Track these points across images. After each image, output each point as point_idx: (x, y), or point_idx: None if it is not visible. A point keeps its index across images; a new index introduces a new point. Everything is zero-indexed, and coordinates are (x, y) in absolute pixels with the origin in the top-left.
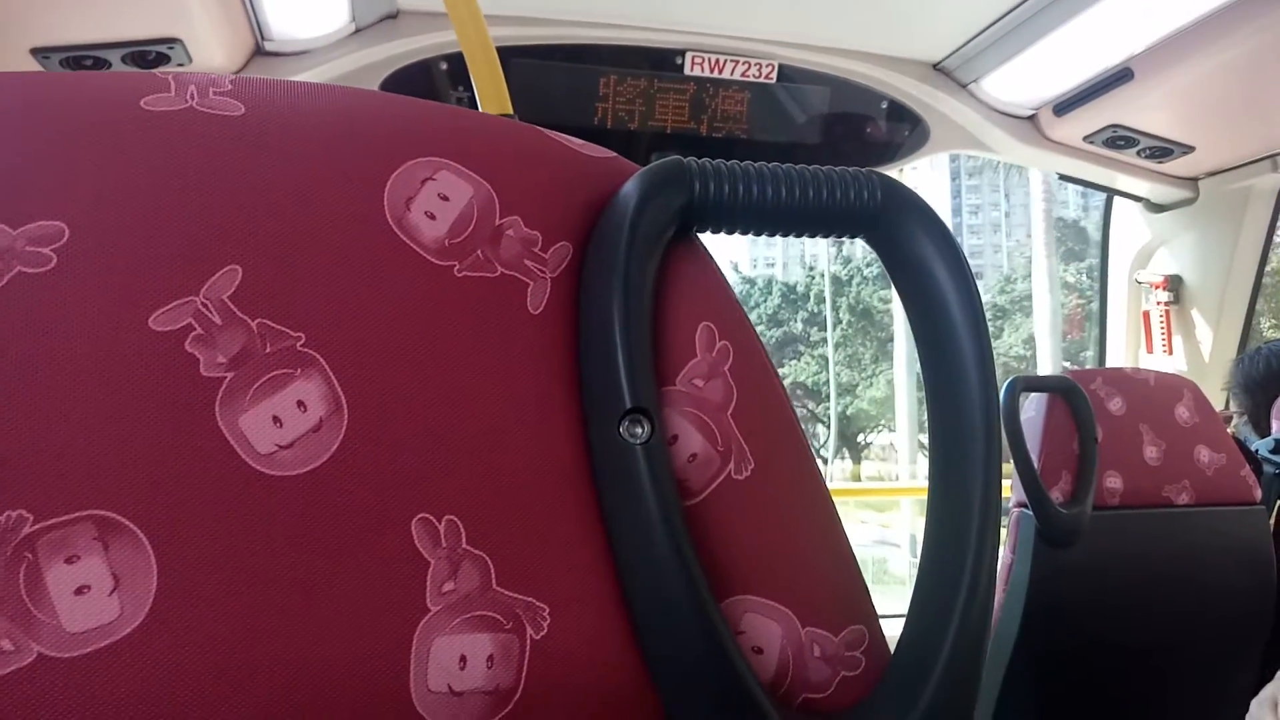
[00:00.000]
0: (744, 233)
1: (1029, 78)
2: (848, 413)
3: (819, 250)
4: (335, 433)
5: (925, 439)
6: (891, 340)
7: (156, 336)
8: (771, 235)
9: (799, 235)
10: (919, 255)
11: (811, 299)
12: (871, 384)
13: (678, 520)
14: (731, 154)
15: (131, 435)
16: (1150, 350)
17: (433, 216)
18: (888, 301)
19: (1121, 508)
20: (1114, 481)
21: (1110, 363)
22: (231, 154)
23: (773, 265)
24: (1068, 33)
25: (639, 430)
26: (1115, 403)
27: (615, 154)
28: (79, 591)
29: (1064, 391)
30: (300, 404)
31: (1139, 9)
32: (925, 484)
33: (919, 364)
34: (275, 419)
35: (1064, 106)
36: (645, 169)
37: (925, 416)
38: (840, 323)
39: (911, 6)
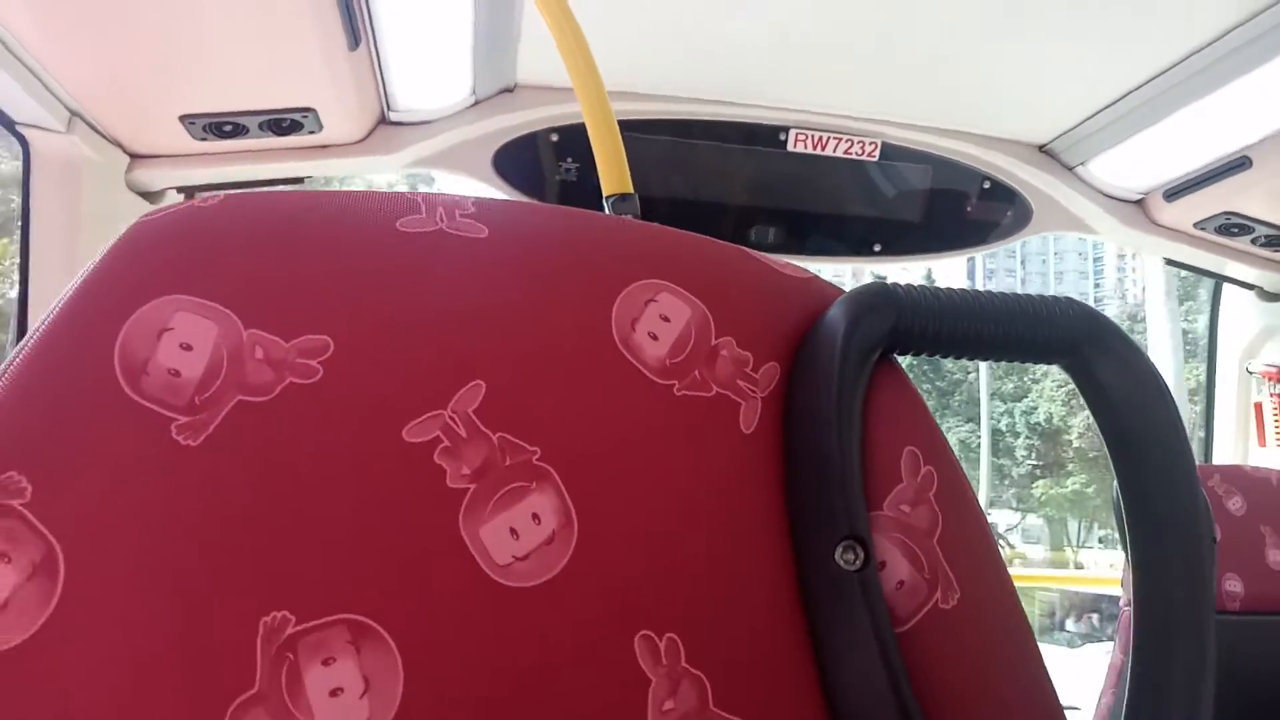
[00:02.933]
0: (944, 356)
1: (1139, 162)
2: None
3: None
4: (566, 546)
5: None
6: (955, 391)
7: (408, 447)
8: (970, 360)
9: (997, 360)
10: (1118, 385)
11: None
12: None
13: (894, 651)
14: (828, 229)
15: (383, 541)
16: (1263, 444)
17: (655, 337)
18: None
19: (1243, 613)
20: (1233, 585)
21: (1218, 457)
22: (478, 274)
23: None
24: (1182, 119)
25: (853, 557)
26: (1234, 502)
27: (813, 274)
28: (334, 693)
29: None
30: (535, 516)
31: (1257, 97)
32: None
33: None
34: (513, 530)
35: (1175, 192)
36: (852, 292)
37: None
38: None
39: (1020, 89)
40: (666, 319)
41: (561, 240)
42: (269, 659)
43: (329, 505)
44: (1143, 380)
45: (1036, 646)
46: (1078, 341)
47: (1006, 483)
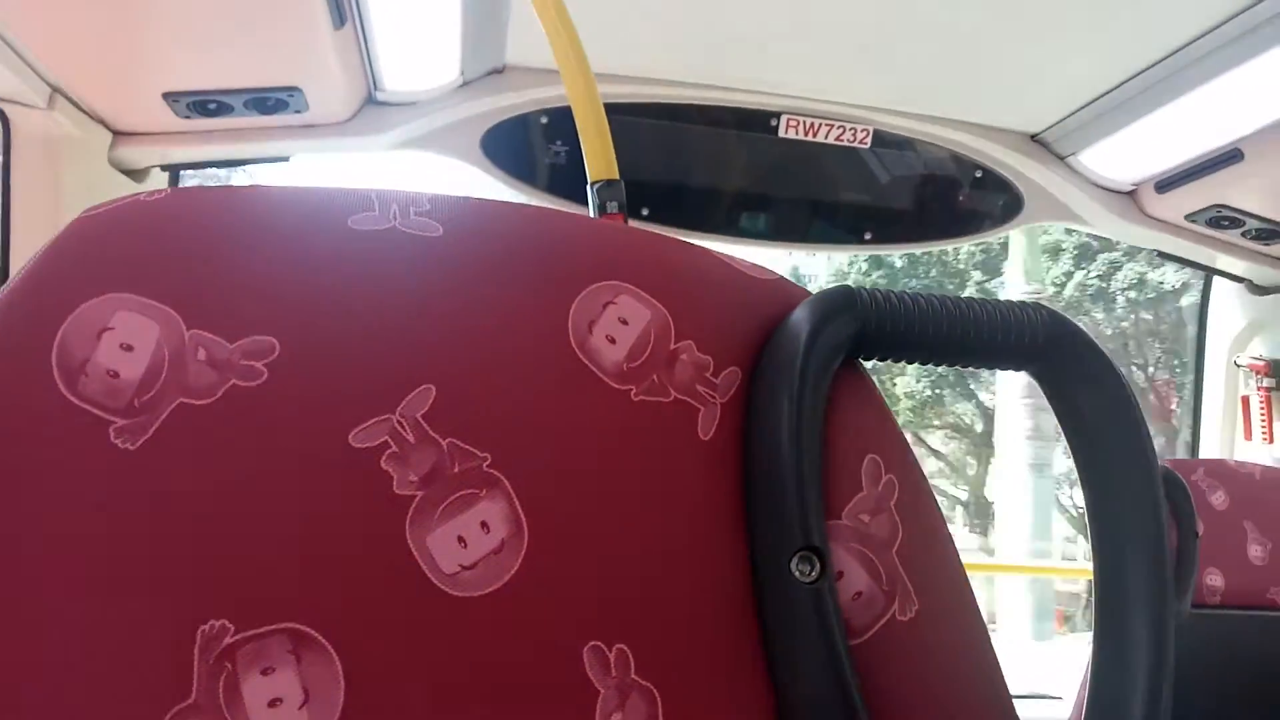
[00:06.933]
0: (908, 362)
1: (1131, 153)
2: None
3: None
4: (515, 555)
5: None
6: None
7: (354, 453)
8: (936, 365)
9: (963, 367)
10: (1083, 393)
11: None
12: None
13: (846, 665)
14: (819, 217)
15: (326, 549)
16: (1249, 437)
17: (613, 340)
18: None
19: (1222, 607)
20: (1215, 579)
21: (1205, 450)
22: (431, 275)
23: None
24: (1175, 110)
25: (808, 568)
26: (1217, 496)
27: (781, 276)
28: (272, 704)
29: (1162, 482)
30: (484, 525)
31: (1251, 90)
32: None
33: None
34: (460, 539)
35: (1166, 184)
36: (815, 296)
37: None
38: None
39: (1013, 78)
40: (625, 322)
41: (518, 240)
42: (206, 668)
43: (271, 512)
44: (1108, 386)
45: (996, 659)
46: (1045, 347)
47: None
